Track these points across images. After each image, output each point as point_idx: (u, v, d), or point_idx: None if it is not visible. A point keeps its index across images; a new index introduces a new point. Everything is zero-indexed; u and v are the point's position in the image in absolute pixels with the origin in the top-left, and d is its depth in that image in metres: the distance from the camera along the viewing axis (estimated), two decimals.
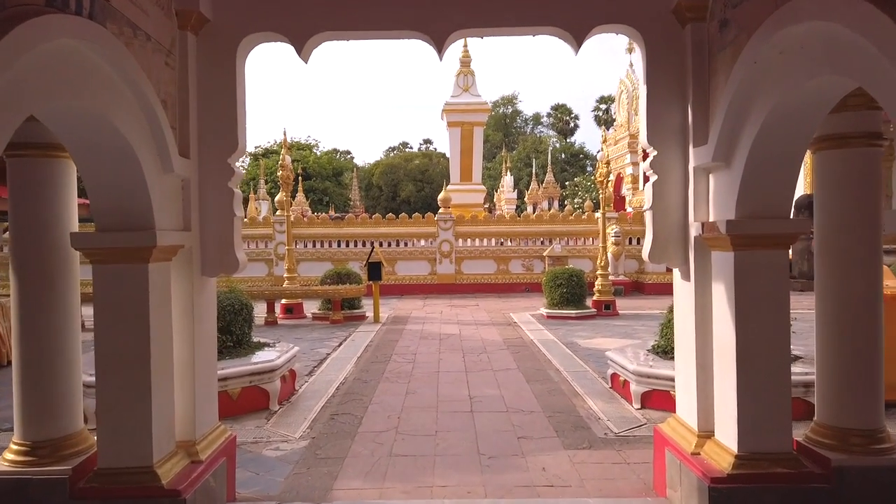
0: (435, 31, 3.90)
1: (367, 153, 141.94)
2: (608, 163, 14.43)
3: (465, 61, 21.52)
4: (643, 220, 18.73)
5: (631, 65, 22.18)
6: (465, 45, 21.62)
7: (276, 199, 18.83)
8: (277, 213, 18.74)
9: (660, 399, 6.20)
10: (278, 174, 13.86)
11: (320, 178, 57.04)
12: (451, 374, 7.97)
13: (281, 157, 13.84)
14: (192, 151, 3.80)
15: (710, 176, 3.70)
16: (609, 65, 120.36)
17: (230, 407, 6.11)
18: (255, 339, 7.33)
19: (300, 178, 42.81)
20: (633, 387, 6.39)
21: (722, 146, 3.44)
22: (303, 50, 3.93)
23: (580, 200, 46.12)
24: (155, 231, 3.32)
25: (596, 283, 14.04)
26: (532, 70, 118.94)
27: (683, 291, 3.97)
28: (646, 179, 19.67)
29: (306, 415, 6.21)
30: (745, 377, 3.39)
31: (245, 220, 19.86)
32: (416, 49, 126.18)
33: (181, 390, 3.75)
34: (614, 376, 7.01)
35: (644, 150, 18.84)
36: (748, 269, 3.38)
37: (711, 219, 3.68)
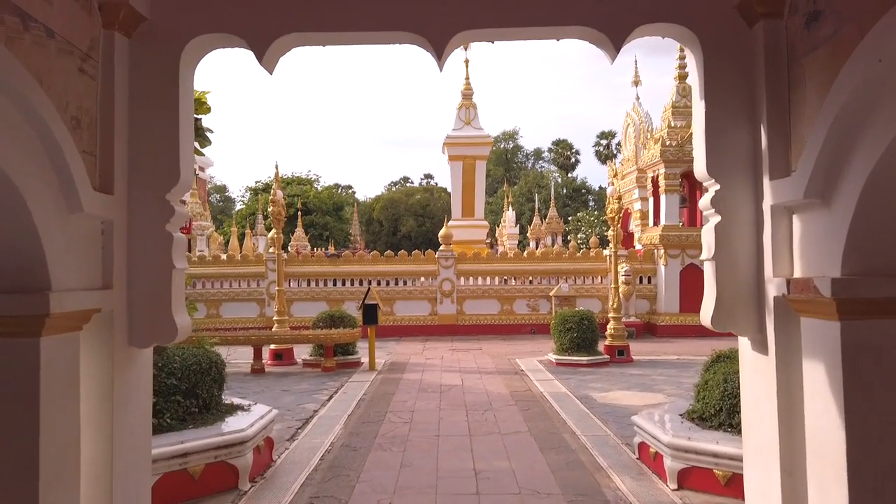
0: (433, 33, 3.06)
1: (368, 188, 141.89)
2: (619, 198, 13.61)
3: (467, 94, 20.91)
4: (653, 258, 17.84)
5: (637, 97, 21.55)
6: (467, 77, 21.05)
7: (270, 235, 17.99)
8: (270, 249, 17.88)
9: (701, 478, 5.22)
10: (269, 209, 13.02)
11: (320, 213, 56.48)
12: (454, 438, 6.98)
13: (272, 191, 13.04)
14: (117, 185, 2.93)
15: (796, 217, 2.81)
16: (609, 100, 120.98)
17: (191, 488, 5.14)
18: (228, 401, 6.38)
19: (300, 212, 42.24)
20: (668, 462, 5.41)
21: (817, 178, 2.56)
22: (265, 56, 3.09)
23: (584, 236, 45.36)
24: (48, 294, 2.42)
25: (608, 326, 13.09)
26: (533, 105, 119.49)
27: (758, 368, 3.04)
28: (687, 218, 18.87)
29: (281, 497, 5.22)
30: (860, 496, 2.45)
31: (237, 257, 19.00)
32: (418, 81, 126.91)
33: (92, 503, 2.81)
34: (643, 446, 6.03)
35: (672, 178, 18.08)
36: (863, 346, 2.46)
37: (799, 274, 2.78)
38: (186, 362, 5.74)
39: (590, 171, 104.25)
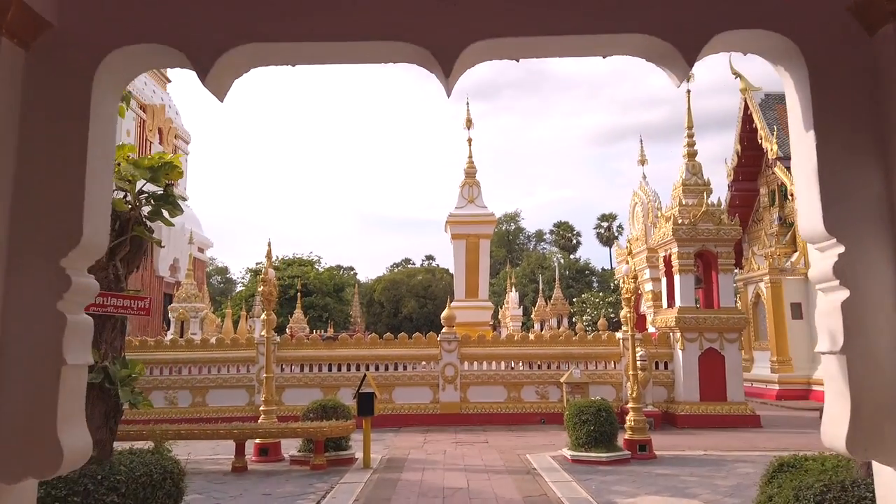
0: (439, 43, 2.27)
1: (370, 269, 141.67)
2: (635, 277, 12.75)
3: (470, 172, 20.47)
4: (669, 341, 16.78)
5: (644, 176, 21.12)
6: (470, 155, 20.66)
7: (262, 317, 17.02)
8: (262, 332, 16.87)
9: None
10: (259, 290, 12.14)
11: (321, 295, 55.71)
12: None
13: (264, 269, 12.20)
14: None
15: None
16: (607, 184, 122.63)
17: None
18: None
19: (299, 294, 41.48)
20: None
21: None
22: (211, 75, 2.29)
23: (590, 318, 44.32)
24: None
25: (627, 417, 11.91)
26: (531, 188, 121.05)
27: None
28: (703, 299, 18.03)
29: None
30: None
31: (227, 340, 18.00)
32: (423, 158, 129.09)
33: None
34: None
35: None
36: None
37: None
38: (134, 473, 4.69)
39: (592, 253, 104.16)
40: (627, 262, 12.76)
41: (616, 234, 78.94)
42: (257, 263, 62.73)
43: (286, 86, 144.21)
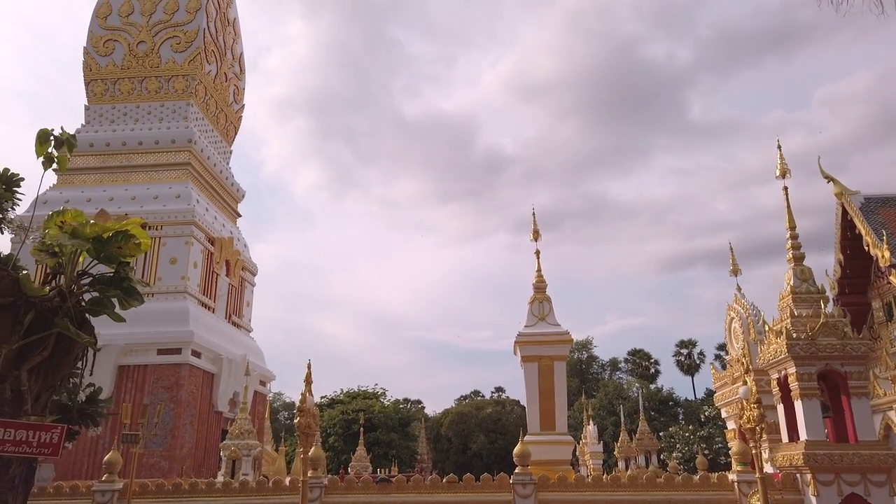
0: None
1: (437, 402, 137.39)
2: (758, 401, 10.22)
3: (540, 286, 18.57)
4: (796, 484, 13.52)
5: (739, 288, 18.68)
6: (539, 269, 18.85)
7: (311, 453, 14.98)
8: (310, 473, 14.75)
9: None
10: (295, 421, 10.28)
11: (385, 430, 53.05)
12: None
13: (302, 395, 10.40)
14: None
15: None
16: (681, 311, 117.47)
17: None
18: None
19: (362, 429, 39.30)
20: None
21: None
22: None
23: (680, 454, 39.71)
24: None
25: None
26: (600, 318, 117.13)
27: None
28: (832, 431, 14.69)
29: None
30: None
31: (269, 482, 15.88)
32: (488, 286, 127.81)
33: None
34: None
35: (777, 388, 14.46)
36: None
37: None
38: None
39: (672, 382, 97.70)
40: (748, 386, 10.28)
41: (698, 362, 73.70)
42: (322, 397, 61.03)
43: (350, 217, 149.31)
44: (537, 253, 19.33)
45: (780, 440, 14.88)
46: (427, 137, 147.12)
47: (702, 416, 44.36)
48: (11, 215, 7.37)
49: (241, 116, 39.56)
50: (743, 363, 12.24)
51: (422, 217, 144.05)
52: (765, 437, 15.60)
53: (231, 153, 38.36)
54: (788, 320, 14.21)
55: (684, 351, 76.20)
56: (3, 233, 7.37)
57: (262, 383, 34.30)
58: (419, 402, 78.71)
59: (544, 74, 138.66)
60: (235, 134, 39.12)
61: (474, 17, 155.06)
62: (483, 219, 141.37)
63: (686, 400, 61.93)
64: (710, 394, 53.12)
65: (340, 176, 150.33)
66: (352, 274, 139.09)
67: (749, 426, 9.67)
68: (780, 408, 14.69)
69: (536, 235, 19.04)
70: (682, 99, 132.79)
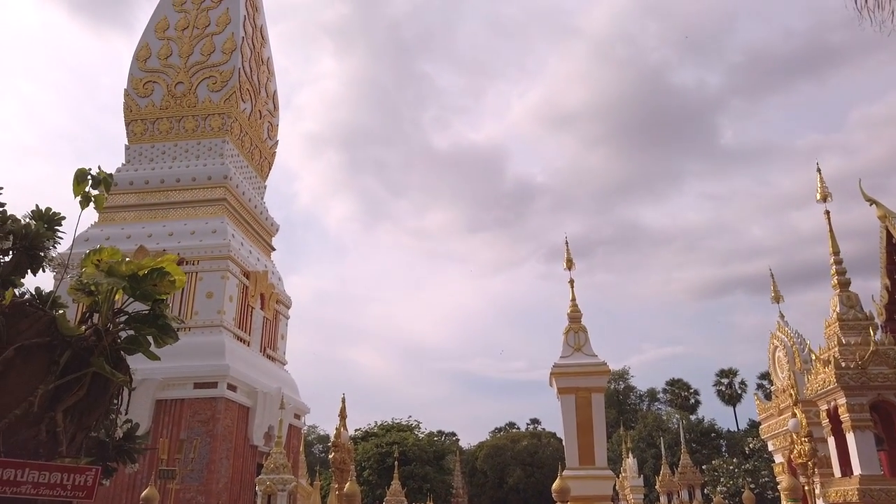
0: None
1: (472, 434, 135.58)
2: (809, 434, 9.79)
3: (575, 316, 18.26)
4: None
5: (781, 315, 18.12)
6: (573, 298, 18.55)
7: (346, 489, 14.81)
8: None
9: None
10: (330, 457, 10.18)
11: (420, 463, 52.42)
12: None
13: (337, 430, 10.30)
14: None
15: None
16: (719, 339, 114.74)
17: None
18: None
19: (396, 462, 38.92)
20: None
21: None
22: None
23: (725, 488, 38.35)
24: None
25: None
26: (636, 347, 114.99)
27: None
28: (887, 466, 14.00)
29: None
30: None
31: None
32: (522, 316, 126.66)
33: None
34: None
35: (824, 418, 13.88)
36: None
37: None
38: None
39: (714, 413, 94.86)
40: (797, 418, 9.85)
41: (740, 392, 71.44)
42: (356, 430, 60.67)
43: (382, 249, 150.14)
44: (571, 282, 19.07)
45: (832, 475, 14.22)
46: (457, 168, 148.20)
47: (746, 449, 42.89)
48: (53, 253, 7.51)
49: (275, 152, 40.31)
50: (791, 394, 11.77)
51: (453, 247, 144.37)
52: (816, 471, 14.96)
53: (265, 188, 38.99)
54: (836, 349, 13.70)
55: (725, 380, 74.07)
56: (44, 271, 7.51)
57: (297, 416, 34.25)
58: (453, 434, 77.81)
59: (573, 103, 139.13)
60: (270, 169, 39.80)
61: (501, 50, 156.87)
62: (514, 248, 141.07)
63: (728, 431, 60.09)
64: (753, 425, 51.41)
65: (372, 208, 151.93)
66: (384, 305, 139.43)
67: (800, 461, 9.26)
68: (831, 441, 14.08)
69: (570, 265, 18.80)
70: (713, 124, 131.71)
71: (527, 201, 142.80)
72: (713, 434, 56.02)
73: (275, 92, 40.39)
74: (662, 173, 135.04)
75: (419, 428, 61.88)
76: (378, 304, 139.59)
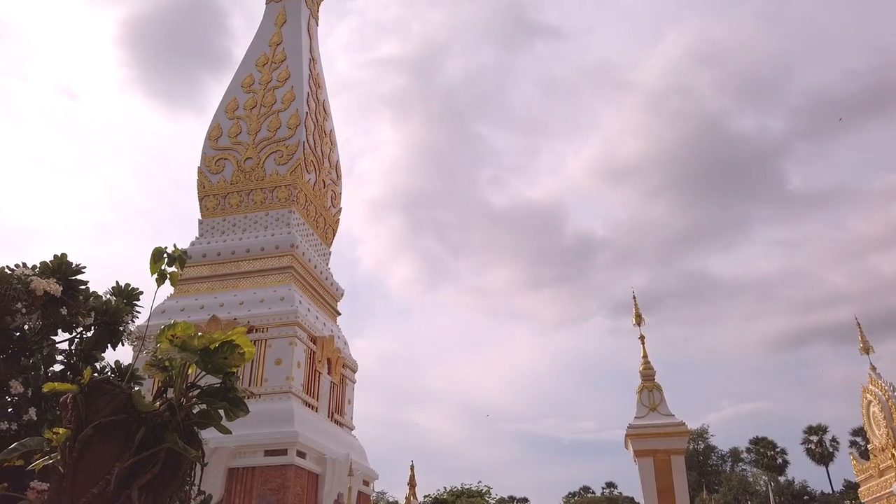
0: None
1: (544, 499, 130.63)
2: None
3: (647, 374, 17.56)
4: None
5: (873, 367, 16.92)
6: (645, 355, 17.93)
7: None
8: None
9: None
10: None
11: None
12: None
13: (406, 499, 10.05)
14: None
15: None
16: (803, 394, 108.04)
17: None
18: None
19: None
20: None
21: None
22: None
23: None
24: None
25: None
26: (717, 400, 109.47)
27: None
28: None
29: None
30: None
31: None
32: (590, 374, 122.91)
33: None
34: None
35: None
36: None
37: None
38: None
39: (805, 473, 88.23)
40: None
41: (831, 449, 66.60)
42: (425, 496, 59.37)
43: (444, 309, 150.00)
44: (642, 338, 18.47)
45: None
46: (516, 226, 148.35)
47: None
48: (131, 327, 7.76)
49: (338, 219, 41.40)
50: (893, 454, 10.85)
51: (515, 305, 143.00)
52: None
53: (330, 254, 39.90)
54: None
55: (814, 438, 69.27)
56: (123, 344, 7.75)
57: (366, 483, 33.81)
58: (525, 499, 75.07)
59: (630, 156, 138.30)
60: (334, 236, 40.82)
61: (555, 108, 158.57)
62: (578, 304, 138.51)
63: (822, 493, 55.83)
64: (850, 486, 47.61)
65: (433, 269, 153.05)
66: (448, 366, 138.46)
67: None
68: None
69: (639, 320, 18.25)
70: (779, 169, 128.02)
71: (589, 255, 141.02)
72: (805, 497, 52.23)
73: (337, 161, 41.81)
74: (729, 221, 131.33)
75: (490, 493, 60.03)
76: (442, 365, 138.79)
